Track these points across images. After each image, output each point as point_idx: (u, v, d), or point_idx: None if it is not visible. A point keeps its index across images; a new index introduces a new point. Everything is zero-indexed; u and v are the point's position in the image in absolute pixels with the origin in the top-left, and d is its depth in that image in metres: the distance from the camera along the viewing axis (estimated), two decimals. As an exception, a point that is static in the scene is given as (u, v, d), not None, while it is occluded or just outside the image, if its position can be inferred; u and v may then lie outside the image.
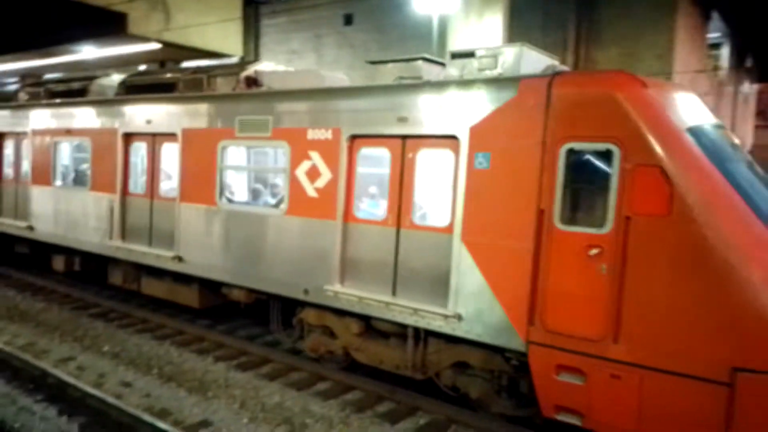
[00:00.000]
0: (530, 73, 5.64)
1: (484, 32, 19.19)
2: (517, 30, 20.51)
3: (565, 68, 6.15)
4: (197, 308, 8.52)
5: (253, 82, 8.22)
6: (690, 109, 5.19)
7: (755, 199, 4.66)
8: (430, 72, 6.50)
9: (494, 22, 19.11)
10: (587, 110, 4.96)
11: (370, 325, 6.66)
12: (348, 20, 29.35)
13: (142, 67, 22.67)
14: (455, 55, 6.16)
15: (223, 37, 19.38)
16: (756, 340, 4.16)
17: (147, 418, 5.67)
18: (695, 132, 4.81)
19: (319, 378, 7.22)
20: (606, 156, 4.83)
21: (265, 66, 8.56)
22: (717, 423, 4.27)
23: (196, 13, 18.16)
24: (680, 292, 4.44)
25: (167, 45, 18.49)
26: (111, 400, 6.05)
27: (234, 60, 22.81)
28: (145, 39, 17.94)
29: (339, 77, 8.23)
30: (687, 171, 4.53)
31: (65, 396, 6.32)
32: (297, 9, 31.75)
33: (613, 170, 4.77)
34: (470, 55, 6.00)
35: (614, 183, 4.75)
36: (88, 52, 20.32)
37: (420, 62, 6.48)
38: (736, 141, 5.53)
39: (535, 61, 5.94)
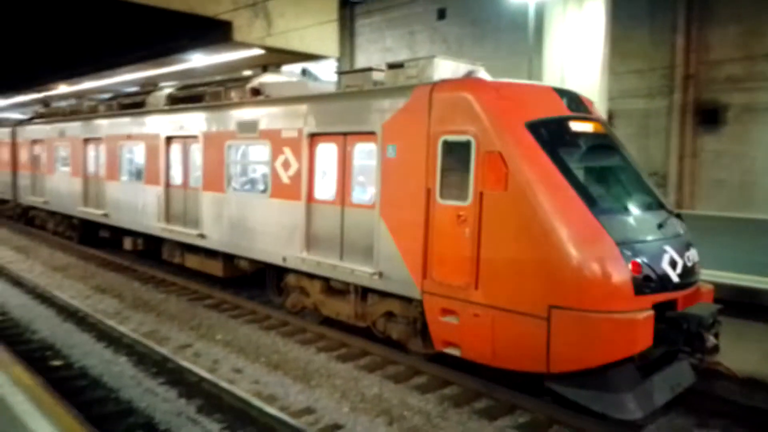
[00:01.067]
0: (432, 80, 6.83)
1: (584, 20, 18.34)
2: (621, 14, 19.44)
3: (480, 74, 7.41)
4: (222, 277, 10.40)
5: (256, 92, 9.94)
6: (538, 106, 6.28)
7: (576, 178, 5.78)
8: (394, 75, 7.62)
9: (596, 8, 18.20)
10: (454, 110, 6.27)
11: (329, 285, 8.20)
12: (441, 15, 29.22)
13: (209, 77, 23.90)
14: (391, 66, 7.60)
15: (321, 39, 19.97)
16: (564, 285, 5.36)
17: (256, 402, 6.02)
18: (533, 125, 5.94)
19: (415, 372, 7.31)
20: (466, 146, 6.10)
21: (267, 78, 10.28)
22: (541, 345, 5.48)
23: (295, 18, 18.86)
24: (514, 249, 5.67)
25: (269, 50, 19.35)
26: (224, 384, 6.48)
27: (331, 60, 23.37)
28: (248, 45, 18.90)
29: (322, 86, 10.11)
30: (519, 156, 5.74)
31: (184, 380, 6.85)
32: (391, 7, 32.04)
33: (471, 157, 6.04)
34: (401, 66, 7.43)
35: (472, 166, 6.04)
36: (197, 60, 21.73)
37: (370, 72, 7.88)
38: (590, 130, 6.52)
39: (452, 69, 7.20)
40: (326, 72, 37.09)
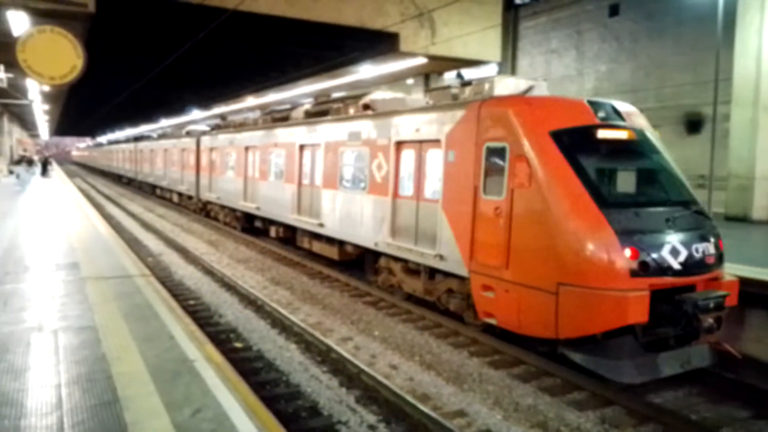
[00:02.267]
0: (493, 95, 8.26)
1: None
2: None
3: (538, 89, 8.65)
4: (337, 260, 12.35)
5: (366, 107, 11.68)
6: (566, 117, 7.34)
7: (589, 178, 6.85)
8: (464, 91, 8.97)
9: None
10: (495, 122, 7.57)
11: (408, 266, 9.80)
12: (614, 11, 27.42)
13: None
14: (463, 84, 9.06)
15: (483, 45, 19.81)
16: (568, 266, 6.50)
17: (411, 399, 6.18)
18: (557, 133, 7.03)
19: (574, 387, 6.94)
20: (503, 151, 7.35)
21: (377, 95, 11.95)
22: (551, 315, 6.59)
23: (459, 25, 18.95)
24: (534, 236, 6.87)
25: (432, 58, 19.69)
26: (381, 379, 6.75)
27: (492, 65, 23.15)
28: (413, 55, 19.42)
29: (416, 99, 11.82)
30: (540, 159, 6.91)
31: (345, 370, 7.27)
32: (558, 7, 30.82)
33: (506, 160, 7.27)
34: (470, 83, 8.88)
35: (506, 168, 7.25)
36: (365, 71, 22.84)
37: (449, 89, 9.44)
38: (616, 136, 7.45)
39: (513, 85, 8.58)
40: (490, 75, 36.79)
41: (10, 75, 19.89)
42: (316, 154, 12.86)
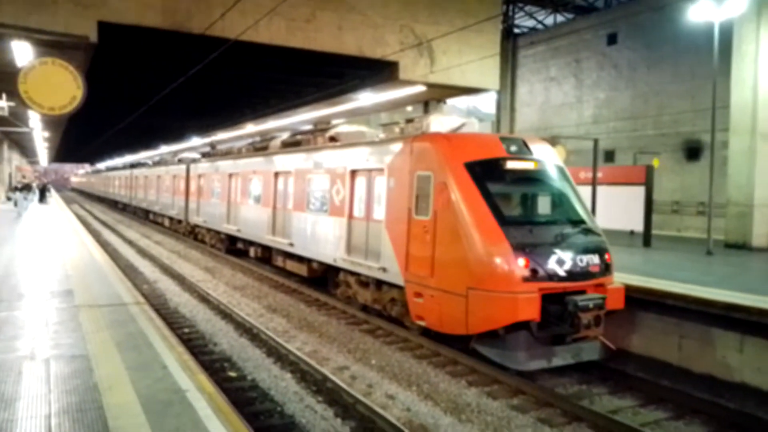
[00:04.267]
0: (430, 131, 9.95)
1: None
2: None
3: (470, 127, 10.31)
4: (306, 276, 13.58)
5: (333, 139, 13.36)
6: (480, 150, 8.76)
7: (494, 201, 8.20)
8: (408, 127, 10.78)
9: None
10: (423, 154, 9.08)
11: (361, 279, 11.09)
12: (612, 40, 27.91)
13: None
14: (408, 120, 10.77)
15: (482, 73, 20.07)
16: (474, 273, 7.85)
17: (407, 431, 6.11)
18: (470, 164, 8.44)
19: (574, 418, 6.89)
20: (429, 178, 8.77)
21: (342, 128, 13.69)
22: (463, 315, 7.93)
23: (458, 54, 19.21)
24: (451, 250, 8.20)
25: (431, 86, 19.95)
26: (378, 409, 6.70)
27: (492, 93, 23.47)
28: (412, 83, 19.68)
29: (373, 133, 12.91)
30: (455, 185, 8.30)
31: (341, 400, 7.21)
32: (556, 36, 31.37)
33: (431, 186, 8.67)
34: (412, 120, 10.59)
35: (431, 192, 8.64)
36: (365, 98, 23.12)
37: (396, 124, 11.23)
38: (521, 167, 8.88)
39: (447, 122, 10.21)
40: (488, 103, 37.03)
41: (12, 104, 20.14)
42: (289, 181, 14.37)
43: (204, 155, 25.42)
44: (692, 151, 24.03)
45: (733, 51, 17.18)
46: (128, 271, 16.39)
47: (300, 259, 13.73)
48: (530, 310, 7.61)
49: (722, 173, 17.63)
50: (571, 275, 8.03)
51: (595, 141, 17.10)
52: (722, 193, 17.60)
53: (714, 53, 15.07)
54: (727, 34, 16.53)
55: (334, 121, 24.11)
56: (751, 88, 16.77)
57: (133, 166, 41.87)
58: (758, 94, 16.61)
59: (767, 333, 7.78)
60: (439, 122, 10.17)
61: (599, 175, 17.02)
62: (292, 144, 15.37)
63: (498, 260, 7.77)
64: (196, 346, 9.48)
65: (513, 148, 8.98)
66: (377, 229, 10.24)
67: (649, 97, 26.11)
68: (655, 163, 18.96)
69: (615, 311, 8.58)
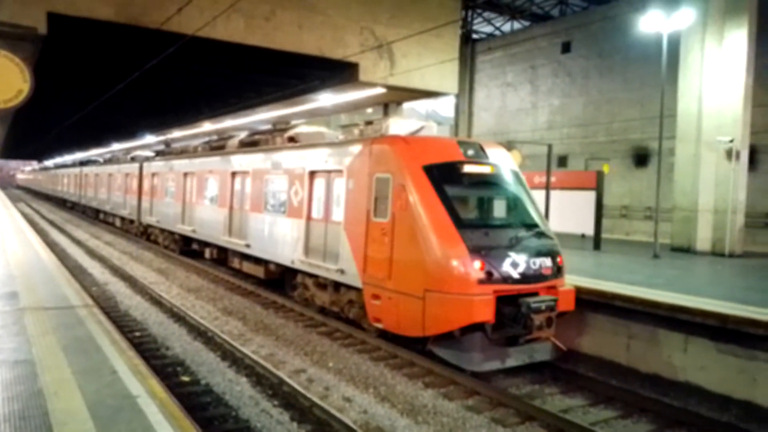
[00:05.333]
0: (389, 133, 9.95)
1: (724, 52, 17.07)
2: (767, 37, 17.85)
3: (428, 130, 10.47)
4: (263, 278, 13.51)
5: (292, 139, 13.28)
6: (438, 154, 8.90)
7: (451, 204, 8.34)
8: (367, 129, 10.74)
9: (737, 39, 16.89)
10: (382, 157, 9.15)
11: (318, 281, 11.08)
12: (566, 48, 28.64)
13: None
14: (367, 122, 10.79)
15: (441, 77, 20.30)
16: (431, 275, 7.94)
17: (363, 433, 6.09)
18: (428, 167, 8.57)
19: (527, 417, 7.03)
20: (387, 180, 8.83)
21: (301, 129, 13.68)
22: (420, 316, 8.03)
23: (418, 58, 19.36)
24: (408, 252, 8.31)
25: (390, 89, 20.04)
26: (335, 412, 6.66)
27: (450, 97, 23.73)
28: (372, 85, 19.71)
29: (333, 134, 12.87)
30: (413, 188, 8.42)
31: (297, 404, 7.14)
32: (513, 43, 31.97)
33: (390, 188, 8.75)
34: (372, 123, 10.63)
35: (390, 195, 8.71)
36: (325, 99, 23.03)
37: (356, 126, 11.20)
38: (478, 171, 9.07)
39: (406, 125, 10.38)
40: (447, 107, 37.43)
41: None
42: (246, 181, 14.28)
43: (158, 153, 24.88)
44: (641, 158, 24.90)
45: (680, 62, 17.88)
46: (77, 272, 15.82)
47: (257, 260, 13.65)
48: (485, 312, 7.76)
49: (669, 179, 18.33)
50: (525, 278, 8.22)
51: (549, 146, 17.51)
52: (669, 199, 18.32)
53: (662, 63, 15.66)
54: (675, 45, 17.20)
55: (294, 122, 23.92)
56: (696, 98, 17.49)
57: (83, 163, 40.68)
58: (703, 103, 17.34)
59: (710, 333, 8.11)
60: (399, 125, 10.31)
61: (552, 179, 17.45)
62: (250, 144, 15.28)
63: (454, 263, 7.88)
64: (147, 350, 9.22)
65: (470, 152, 9.14)
66: (336, 231, 10.25)
67: (601, 104, 26.92)
68: (605, 168, 19.52)
69: (566, 313, 8.78)
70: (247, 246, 13.79)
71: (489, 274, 7.90)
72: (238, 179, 14.93)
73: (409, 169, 8.60)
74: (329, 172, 10.71)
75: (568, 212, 17.36)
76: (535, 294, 8.33)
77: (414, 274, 8.19)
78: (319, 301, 11.37)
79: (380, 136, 9.85)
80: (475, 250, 7.94)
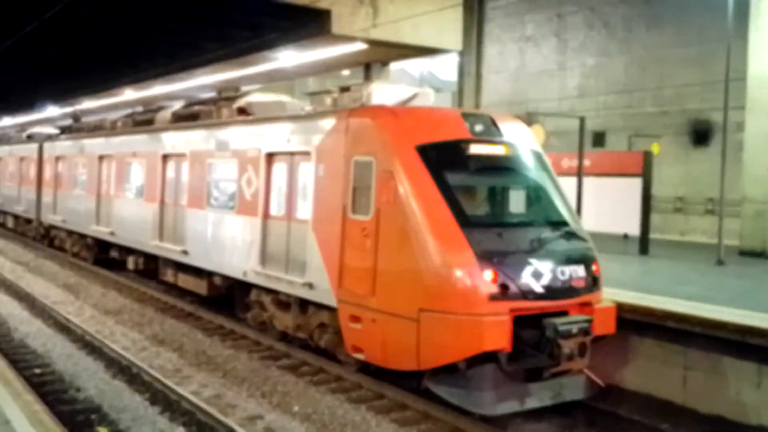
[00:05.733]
0: (371, 103, 9.97)
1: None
2: None
3: (424, 98, 10.55)
4: (206, 295, 13.63)
5: (243, 111, 13.14)
6: (435, 130, 9.00)
7: (454, 196, 8.38)
8: (342, 98, 10.73)
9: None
10: (362, 133, 9.17)
11: (279, 298, 11.03)
12: (602, -9, 28.75)
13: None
14: (342, 89, 10.75)
15: (439, 28, 20.30)
16: (428, 290, 7.93)
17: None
18: (423, 148, 8.59)
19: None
20: (369, 165, 8.78)
21: (255, 97, 13.45)
22: (413, 345, 7.96)
23: (409, 3, 19.29)
24: (398, 259, 8.30)
25: (374, 44, 19.99)
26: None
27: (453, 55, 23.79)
28: (349, 39, 19.63)
29: (298, 104, 13.10)
30: (404, 175, 8.39)
31: (251, 461, 7.12)
32: (533, -16, 32.05)
33: (373, 175, 8.69)
34: (348, 89, 10.57)
35: (373, 184, 8.66)
36: (286, 58, 22.96)
37: (328, 94, 11.32)
38: (489, 152, 9.12)
39: (394, 92, 10.41)
40: (447, 68, 37.59)
41: None
42: (182, 167, 14.34)
43: (64, 130, 24.64)
44: (700, 135, 25.10)
45: (750, 8, 17.97)
46: (-45, 289, 15.62)
47: (198, 272, 13.66)
48: (499, 338, 7.71)
49: (737, 162, 18.44)
50: (551, 292, 8.23)
51: (581, 120, 17.61)
52: (736, 188, 18.43)
53: (728, 10, 15.78)
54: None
55: (246, 88, 23.82)
56: (772, 56, 17.56)
57: None
58: (780, 62, 17.42)
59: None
60: (384, 92, 10.30)
61: (586, 163, 17.58)
62: (188, 117, 15.30)
63: (459, 273, 7.89)
64: (51, 392, 9.12)
65: (479, 128, 9.16)
66: (302, 232, 10.26)
67: (647, 64, 27.08)
68: (655, 148, 19.72)
69: (604, 337, 8.83)
70: (185, 253, 13.79)
71: (504, 287, 7.91)
72: (171, 164, 14.93)
73: (399, 150, 8.64)
74: (293, 154, 10.73)
75: (607, 206, 17.50)
76: (563, 313, 8.36)
77: (405, 288, 8.20)
78: (280, 325, 11.34)
79: (360, 107, 9.91)
80: (486, 257, 7.96)
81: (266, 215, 11.29)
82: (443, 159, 8.68)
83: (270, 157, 11.28)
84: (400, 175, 8.43)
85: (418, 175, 8.41)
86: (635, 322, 9.47)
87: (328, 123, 9.97)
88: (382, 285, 8.44)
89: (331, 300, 9.42)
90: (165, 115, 16.58)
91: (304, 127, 10.60)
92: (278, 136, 11.18)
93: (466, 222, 8.23)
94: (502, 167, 9.39)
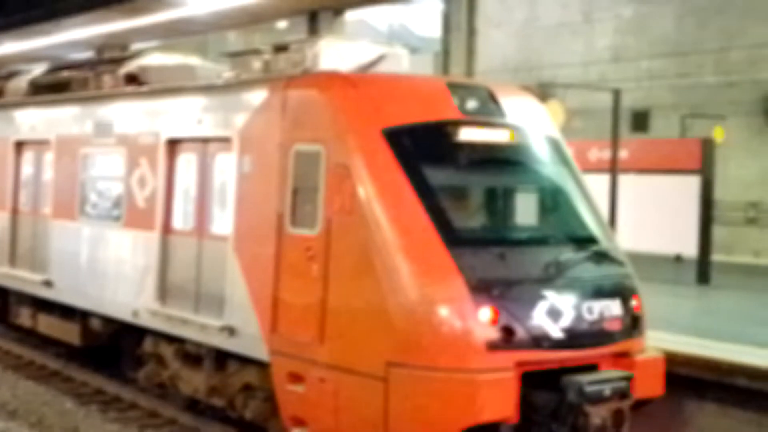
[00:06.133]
0: (318, 68, 9.90)
1: None
2: None
3: (395, 60, 10.63)
4: (80, 346, 13.50)
5: (133, 78, 13.17)
6: (412, 107, 8.89)
7: (438, 202, 8.32)
8: (277, 60, 10.79)
9: None
10: (307, 111, 9.04)
11: (186, 349, 10.87)
12: None
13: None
14: (277, 48, 10.79)
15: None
16: (401, 336, 7.69)
17: None
18: (394, 133, 8.45)
19: None
20: (316, 157, 8.64)
21: (151, 59, 13.47)
22: (379, 414, 7.66)
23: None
24: (358, 291, 8.12)
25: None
26: None
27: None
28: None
29: (213, 70, 13.00)
30: (366, 172, 8.18)
31: None
32: None
33: (322, 172, 8.52)
34: (286, 48, 10.59)
35: (322, 184, 8.48)
36: (194, 3, 22.84)
37: (258, 55, 11.11)
38: (486, 139, 9.07)
39: (351, 53, 10.38)
40: (428, 21, 37.77)
41: None
42: (44, 159, 14.27)
43: None
44: (781, 115, 25.40)
45: None
46: None
47: (67, 312, 13.50)
48: (501, 404, 7.57)
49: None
50: (574, 338, 8.13)
51: (616, 93, 17.76)
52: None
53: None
54: None
55: (138, 46, 23.60)
56: None
57: None
58: None
59: None
60: (337, 53, 10.26)
61: (622, 155, 17.71)
62: (53, 88, 15.18)
63: (444, 311, 7.74)
64: None
65: (472, 105, 9.09)
66: (219, 254, 10.11)
67: (707, 17, 27.40)
68: (718, 134, 19.92)
69: (649, 401, 8.77)
70: (47, 284, 13.62)
71: (507, 331, 7.75)
72: (28, 156, 14.88)
73: (359, 136, 8.55)
74: (206, 141, 10.71)
75: (651, 215, 17.63)
76: (592, 367, 8.30)
77: (368, 333, 8.01)
78: (187, 388, 11.12)
79: (303, 74, 9.84)
80: (482, 288, 7.82)
81: (167, 229, 11.18)
82: (422, 149, 8.66)
83: (173, 145, 11.18)
84: (360, 172, 8.28)
85: (386, 172, 8.29)
86: (692, 380, 9.51)
87: (256, 97, 9.90)
88: (335, 329, 8.25)
89: (260, 351, 9.22)
90: (19, 84, 16.31)
91: (223, 103, 10.56)
92: (185, 115, 11.10)
93: (454, 238, 8.12)
94: (506, 161, 9.41)
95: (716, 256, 18.41)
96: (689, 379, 9.55)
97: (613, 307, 8.49)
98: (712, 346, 10.19)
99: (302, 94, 9.28)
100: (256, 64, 10.98)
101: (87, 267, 12.73)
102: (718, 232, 19.32)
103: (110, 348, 13.11)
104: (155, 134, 11.40)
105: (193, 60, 13.64)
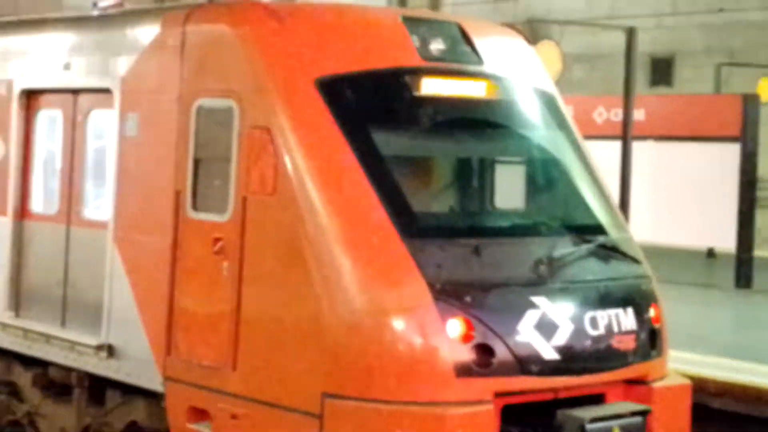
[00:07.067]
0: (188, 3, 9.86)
1: None
2: None
3: None
4: None
5: None
6: (357, 49, 8.82)
7: (392, 178, 8.19)
8: None
9: None
10: (215, 54, 8.92)
11: (50, 376, 10.81)
12: None
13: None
14: None
15: None
16: (340, 359, 7.52)
17: None
18: (331, 83, 8.35)
19: None
20: (228, 116, 8.47)
21: None
22: None
23: None
24: (283, 298, 7.95)
25: None
26: None
27: None
28: None
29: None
30: (294, 136, 8.07)
31: None
32: None
33: (234, 136, 8.36)
34: None
35: (234, 152, 8.31)
36: None
37: None
38: (455, 93, 8.91)
39: None
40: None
41: None
42: None
43: None
44: None
45: None
46: None
47: None
48: None
49: None
50: (572, 359, 8.02)
51: (630, 32, 17.89)
52: None
53: None
54: None
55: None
56: None
57: None
58: None
59: None
60: None
61: (638, 116, 17.82)
62: None
63: (398, 324, 7.61)
64: None
65: (437, 47, 9.05)
66: (94, 247, 10.13)
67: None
68: (765, 89, 20.14)
69: None
70: None
71: (484, 351, 7.57)
72: None
73: (286, 88, 8.42)
74: (76, 93, 10.69)
75: (676, 197, 17.80)
76: (596, 398, 8.36)
77: (296, 354, 7.84)
78: (50, 429, 11.10)
79: (208, 3, 9.91)
80: (451, 293, 7.68)
81: (22, 213, 11.25)
82: (370, 106, 8.63)
83: (30, 98, 11.23)
84: (286, 137, 8.15)
85: (321, 137, 8.16)
86: (728, 415, 9.68)
87: (146, 33, 9.75)
88: (252, 349, 8.14)
89: (151, 378, 9.07)
90: None
91: (99, 42, 10.51)
92: (46, 57, 11.13)
93: (414, 227, 7.98)
94: (482, 123, 9.37)
95: (759, 252, 18.49)
96: (724, 413, 9.72)
97: (624, 319, 8.37)
98: (753, 371, 10.35)
99: (208, 30, 9.16)
100: None
101: None
102: (762, 220, 19.46)
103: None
104: (5, 83, 11.39)
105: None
